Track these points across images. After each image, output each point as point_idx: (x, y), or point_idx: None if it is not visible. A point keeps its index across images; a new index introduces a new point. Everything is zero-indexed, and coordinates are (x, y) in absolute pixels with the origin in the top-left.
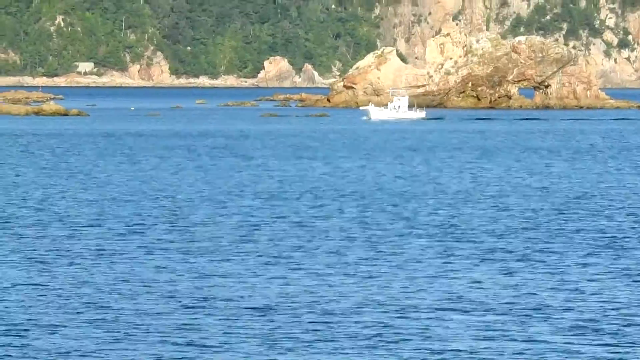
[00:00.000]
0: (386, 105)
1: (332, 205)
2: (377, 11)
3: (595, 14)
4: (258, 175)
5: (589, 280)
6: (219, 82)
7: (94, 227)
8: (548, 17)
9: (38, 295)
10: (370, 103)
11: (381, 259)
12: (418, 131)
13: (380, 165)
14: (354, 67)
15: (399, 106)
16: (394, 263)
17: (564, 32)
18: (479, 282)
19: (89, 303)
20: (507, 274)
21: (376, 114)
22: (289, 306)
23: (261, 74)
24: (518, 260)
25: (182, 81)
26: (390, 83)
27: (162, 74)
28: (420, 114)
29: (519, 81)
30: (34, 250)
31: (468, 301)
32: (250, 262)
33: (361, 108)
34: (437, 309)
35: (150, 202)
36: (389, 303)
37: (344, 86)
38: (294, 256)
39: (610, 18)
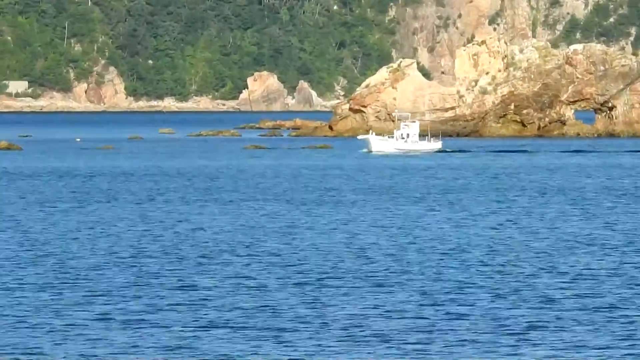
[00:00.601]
0: (391, 133)
1: (349, 263)
2: (392, 13)
3: None
4: (251, 226)
5: None
6: (189, 105)
7: (41, 293)
8: (611, 20)
9: None
10: (370, 131)
11: (422, 333)
12: (430, 167)
13: (401, 211)
14: (363, 84)
15: (407, 134)
16: (436, 339)
17: (632, 38)
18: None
19: None
20: (575, 350)
21: (378, 145)
22: None
23: (244, 95)
24: (586, 332)
25: (142, 104)
26: (409, 105)
27: (116, 95)
28: (435, 144)
29: (575, 102)
30: None
31: None
32: (249, 340)
33: (359, 137)
34: None
35: (109, 261)
36: None
37: (350, 109)
38: (308, 330)
39: None
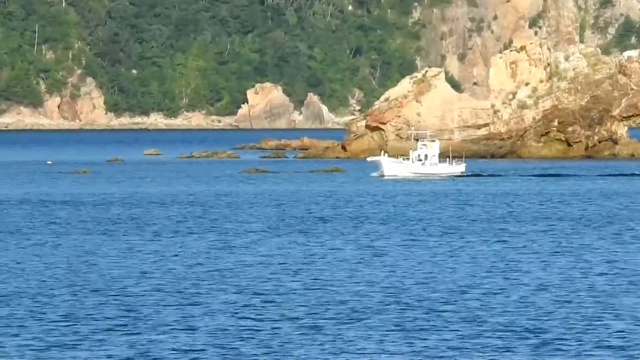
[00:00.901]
0: (406, 155)
1: (373, 303)
2: (416, 14)
3: None
4: (257, 262)
5: None
6: (179, 122)
7: (14, 337)
8: None
9: None
10: (382, 152)
11: None
12: (459, 194)
13: (431, 245)
14: (382, 98)
15: (425, 156)
16: None
17: None
18: None
19: None
20: None
21: (391, 168)
22: None
23: (243, 110)
24: None
25: (124, 121)
26: (436, 121)
27: (94, 110)
28: (458, 167)
29: (630, 117)
30: None
31: None
32: None
33: (369, 159)
34: None
35: (92, 301)
36: None
37: (367, 126)
38: None
39: None
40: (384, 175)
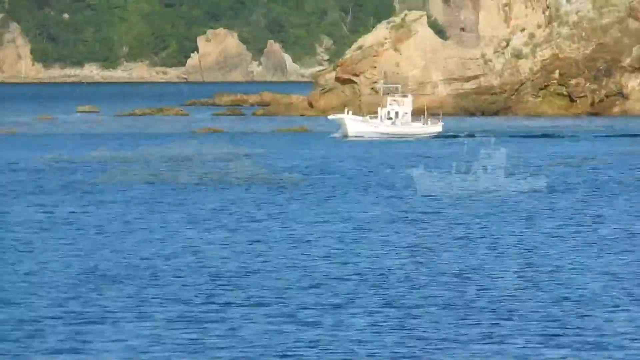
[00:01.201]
0: (374, 113)
1: (347, 294)
2: None
3: None
4: (204, 239)
5: None
6: (118, 74)
7: None
8: None
9: None
10: (346, 110)
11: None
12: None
13: (418, 222)
14: (355, 46)
15: (396, 113)
16: None
17: None
18: None
19: None
20: None
21: (355, 127)
22: None
23: (193, 60)
24: None
25: (55, 74)
26: (417, 73)
27: (19, 61)
28: (434, 127)
29: None
30: None
31: None
32: None
33: (330, 117)
34: None
35: (21, 283)
36: None
37: (338, 79)
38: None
39: None
40: (347, 136)
